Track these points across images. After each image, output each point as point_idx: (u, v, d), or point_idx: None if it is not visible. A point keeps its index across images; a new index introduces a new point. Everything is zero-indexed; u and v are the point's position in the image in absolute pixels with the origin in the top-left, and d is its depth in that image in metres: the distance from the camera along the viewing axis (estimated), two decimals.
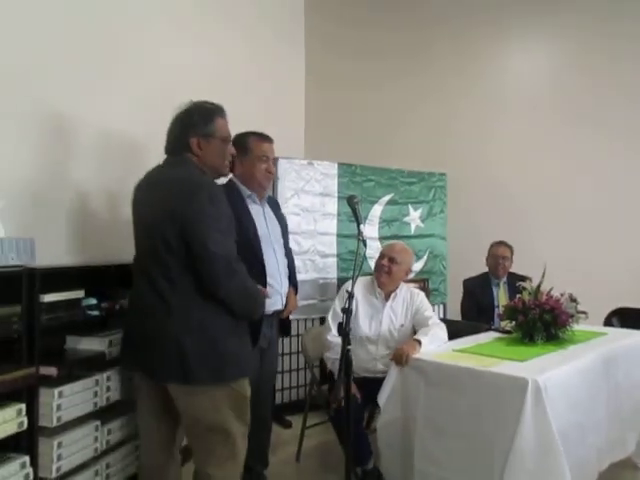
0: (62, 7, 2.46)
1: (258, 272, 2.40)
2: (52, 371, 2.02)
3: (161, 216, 1.90)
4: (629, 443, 2.78)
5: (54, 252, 2.33)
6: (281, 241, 2.72)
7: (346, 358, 2.00)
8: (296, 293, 2.82)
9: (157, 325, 1.92)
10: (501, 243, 3.96)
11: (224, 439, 1.99)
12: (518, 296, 2.91)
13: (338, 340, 2.81)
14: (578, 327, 2.84)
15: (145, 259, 1.99)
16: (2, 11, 2.18)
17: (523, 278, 3.40)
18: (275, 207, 2.84)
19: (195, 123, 2.01)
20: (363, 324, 2.99)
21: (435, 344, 2.68)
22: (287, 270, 2.71)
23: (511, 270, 3.94)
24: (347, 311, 2.01)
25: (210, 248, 1.85)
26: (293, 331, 3.40)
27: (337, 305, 3.00)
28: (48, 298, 2.05)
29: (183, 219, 1.86)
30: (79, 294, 2.25)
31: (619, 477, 2.86)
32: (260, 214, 2.63)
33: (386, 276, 3.01)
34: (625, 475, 2.91)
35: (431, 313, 3.00)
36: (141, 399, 2.11)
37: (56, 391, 2.02)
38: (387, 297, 3.04)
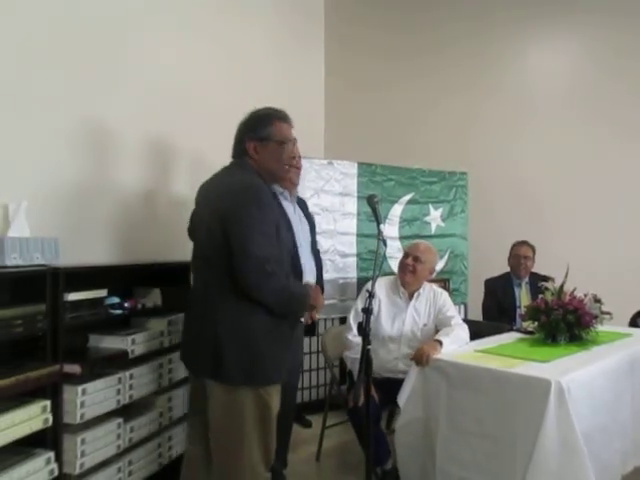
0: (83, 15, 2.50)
1: (296, 274, 2.39)
2: (76, 369, 2.05)
3: (210, 216, 1.95)
4: None
5: (79, 252, 2.36)
6: (309, 240, 2.70)
7: (366, 358, 2.00)
8: (322, 292, 2.81)
9: (199, 321, 1.99)
10: (523, 243, 3.91)
11: (238, 446, 1.96)
12: (540, 296, 2.87)
13: (358, 340, 2.82)
14: (602, 328, 2.79)
15: (197, 257, 2.07)
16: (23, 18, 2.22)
17: (545, 278, 3.36)
18: (303, 206, 2.83)
19: (252, 128, 2.06)
20: (386, 323, 2.98)
21: (456, 345, 2.66)
22: (314, 270, 2.69)
23: (533, 270, 3.89)
24: (367, 311, 2.00)
25: (247, 249, 1.85)
26: None
27: (358, 305, 2.99)
28: (72, 297, 2.08)
29: (227, 218, 1.89)
30: (102, 293, 2.27)
31: None
32: (292, 212, 2.61)
33: (410, 275, 3.00)
34: None
35: (454, 313, 2.98)
36: (190, 389, 2.19)
37: (80, 388, 2.05)
38: (410, 296, 3.03)
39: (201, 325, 1.98)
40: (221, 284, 1.93)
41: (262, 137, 2.05)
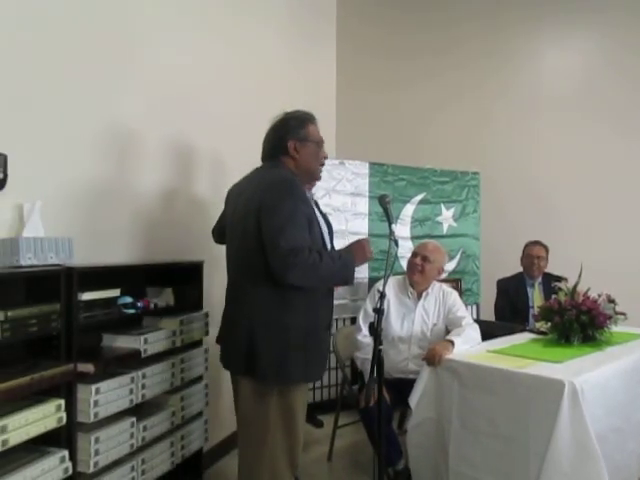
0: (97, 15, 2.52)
1: None
2: (89, 368, 2.07)
3: (246, 211, 2.01)
4: None
5: (94, 252, 2.38)
6: (329, 242, 2.67)
7: (378, 358, 2.00)
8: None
9: (234, 318, 2.04)
10: (536, 243, 3.89)
11: (261, 445, 1.99)
12: (554, 297, 2.85)
13: (368, 340, 2.82)
14: (616, 328, 2.77)
15: (232, 254, 2.12)
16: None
17: (559, 278, 3.34)
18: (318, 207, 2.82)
19: (291, 128, 2.14)
20: (395, 324, 2.97)
21: (468, 345, 2.65)
22: None
23: (546, 270, 3.86)
24: (379, 311, 2.00)
25: (279, 238, 1.86)
26: None
27: (368, 305, 2.99)
28: (86, 296, 2.10)
29: (262, 211, 1.93)
30: (115, 293, 2.29)
31: None
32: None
33: (419, 275, 2.99)
34: None
35: (464, 313, 2.97)
36: (232, 384, 2.21)
37: (93, 387, 2.06)
38: (419, 296, 3.02)
39: (237, 322, 2.02)
40: (257, 281, 1.97)
41: (302, 137, 2.14)
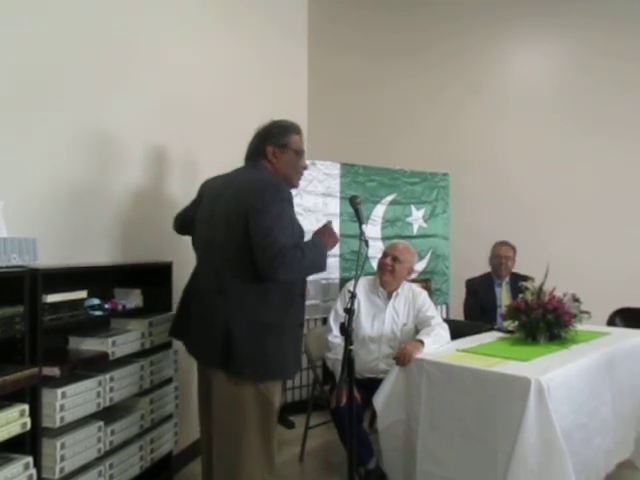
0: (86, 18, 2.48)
1: None
2: (55, 372, 2.02)
3: (229, 210, 2.03)
4: (630, 443, 2.78)
5: (62, 253, 2.33)
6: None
7: (348, 358, 2.00)
8: None
9: (211, 313, 2.03)
10: (504, 243, 3.95)
11: (239, 441, 2.00)
12: (521, 296, 2.91)
13: (339, 341, 2.83)
14: (581, 327, 2.83)
15: (209, 250, 2.11)
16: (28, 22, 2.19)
17: (525, 278, 3.40)
18: None
19: (273, 134, 2.20)
20: (365, 323, 2.99)
21: (438, 344, 2.68)
22: None
23: (514, 270, 3.93)
24: (349, 311, 2.01)
25: (267, 240, 1.91)
26: None
27: (339, 305, 3.00)
28: (51, 298, 2.05)
29: (250, 212, 1.96)
30: (82, 294, 2.25)
31: (621, 477, 2.86)
32: None
33: (389, 275, 3.01)
34: (626, 475, 2.91)
35: (434, 312, 3.00)
36: (198, 381, 2.25)
37: (59, 392, 2.02)
38: (389, 296, 3.04)
39: (214, 316, 2.03)
40: (236, 278, 2.00)
41: (282, 144, 2.19)
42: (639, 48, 4.19)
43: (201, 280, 2.17)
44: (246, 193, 2.02)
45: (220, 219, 2.07)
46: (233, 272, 2.01)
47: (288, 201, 2.05)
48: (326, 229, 2.20)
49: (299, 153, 2.24)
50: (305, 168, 2.30)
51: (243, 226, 1.97)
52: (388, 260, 3.03)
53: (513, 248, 3.93)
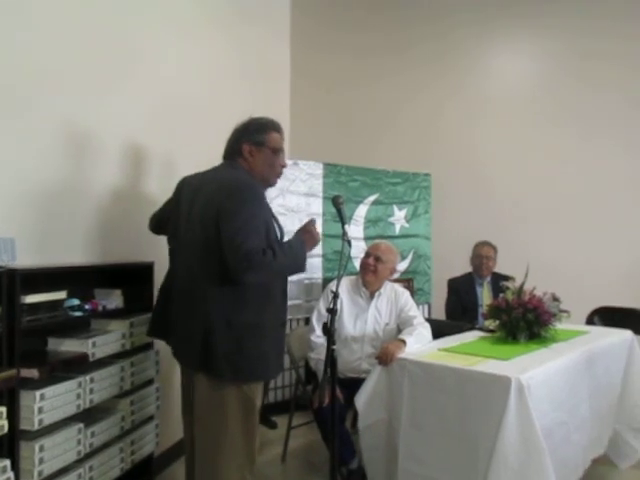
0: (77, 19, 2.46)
1: None
2: (33, 373, 1.99)
3: (203, 211, 2.02)
4: (605, 439, 2.82)
5: (37, 252, 2.30)
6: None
7: (331, 358, 2.00)
8: None
9: (190, 314, 2.02)
10: (485, 243, 3.98)
11: (221, 442, 2.00)
12: (501, 295, 2.93)
13: (322, 341, 2.83)
14: (560, 326, 2.87)
15: (186, 249, 2.09)
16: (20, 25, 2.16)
17: (506, 278, 3.44)
18: None
19: (249, 132, 2.17)
20: (348, 323, 2.99)
21: (420, 343, 2.69)
22: None
23: (495, 270, 3.97)
24: (332, 311, 2.01)
25: (237, 242, 1.89)
26: None
27: (321, 305, 3.00)
28: (30, 299, 2.02)
29: (221, 213, 1.95)
30: (62, 295, 2.22)
31: (599, 474, 2.91)
32: None
33: (371, 275, 3.02)
34: (603, 472, 2.96)
35: (416, 312, 3.02)
36: (182, 382, 2.24)
37: (37, 394, 1.99)
38: (372, 296, 3.05)
39: (192, 318, 2.01)
40: (213, 278, 1.98)
41: (258, 142, 2.15)
42: (617, 48, 4.25)
43: (178, 280, 2.15)
44: (218, 193, 2.00)
45: (196, 218, 2.06)
46: (209, 272, 1.99)
47: (260, 202, 2.02)
48: (307, 229, 2.18)
49: (276, 151, 2.19)
50: (284, 166, 2.25)
51: (216, 227, 1.96)
52: (370, 260, 3.04)
53: (494, 248, 3.97)
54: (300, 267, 2.11)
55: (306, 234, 2.16)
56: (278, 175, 2.25)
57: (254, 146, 2.15)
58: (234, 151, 2.18)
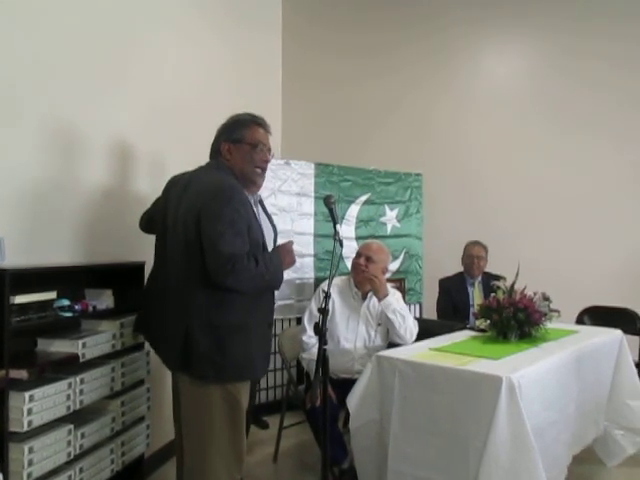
0: (68, 18, 2.45)
1: None
2: (22, 374, 1.98)
3: (186, 212, 2.00)
4: (589, 436, 2.84)
5: (26, 252, 2.28)
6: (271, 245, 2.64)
7: (323, 358, 2.00)
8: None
9: (172, 315, 2.01)
10: (476, 243, 4.00)
11: (207, 443, 1.98)
12: (492, 295, 2.94)
13: (314, 341, 2.82)
14: (551, 325, 2.88)
15: (170, 250, 2.08)
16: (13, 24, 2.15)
17: (497, 277, 3.45)
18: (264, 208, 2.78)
19: (226, 130, 2.14)
20: (340, 324, 2.99)
21: (398, 315, 2.84)
22: None
23: (486, 270, 3.98)
24: (324, 311, 2.01)
25: (217, 245, 1.89)
26: None
27: (313, 305, 3.00)
28: (19, 299, 2.01)
29: (202, 216, 1.94)
30: (51, 295, 2.20)
31: (586, 472, 2.94)
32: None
33: (363, 275, 3.02)
34: (591, 470, 2.98)
35: (407, 313, 3.01)
36: (172, 384, 2.22)
37: (27, 395, 1.98)
38: (364, 297, 3.05)
39: (173, 319, 2.00)
40: (195, 279, 1.96)
41: (235, 139, 2.12)
42: (606, 47, 4.28)
43: (160, 280, 2.13)
44: (200, 197, 1.98)
45: (180, 219, 2.04)
46: (193, 273, 1.97)
47: (243, 205, 1.99)
48: (284, 248, 2.17)
49: (255, 146, 2.13)
50: (266, 161, 2.19)
51: (197, 229, 1.95)
52: (362, 260, 3.03)
53: (485, 248, 3.98)
54: (276, 282, 2.10)
55: (284, 252, 2.15)
56: (259, 172, 2.17)
57: (232, 144, 2.12)
58: (216, 151, 2.16)
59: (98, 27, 2.71)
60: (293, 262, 2.20)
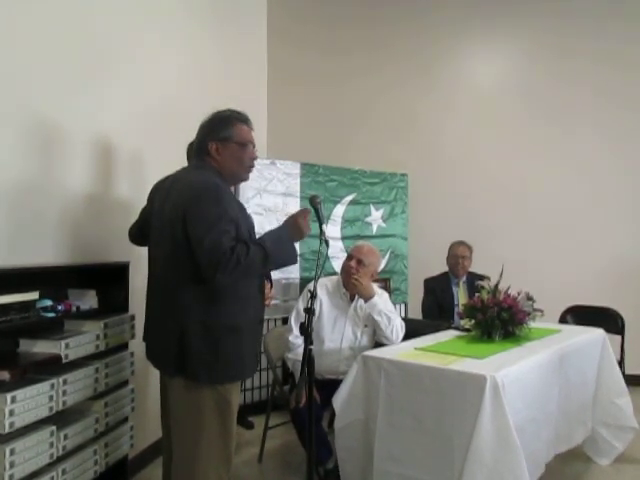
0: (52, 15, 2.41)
1: None
2: (4, 375, 1.95)
3: (172, 214, 1.98)
4: (576, 437, 2.87)
5: (8, 252, 2.25)
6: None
7: (308, 358, 2.00)
8: (271, 286, 2.78)
9: (164, 317, 2.00)
10: (461, 243, 4.02)
11: (197, 444, 1.98)
12: (477, 295, 2.96)
13: (299, 341, 2.82)
14: (534, 324, 2.91)
15: (159, 253, 2.07)
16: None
17: (482, 277, 3.48)
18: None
19: (213, 129, 2.09)
20: (327, 325, 2.99)
21: (385, 318, 2.84)
22: None
23: (471, 269, 4.01)
24: (309, 311, 2.01)
25: (204, 243, 1.87)
26: None
27: (300, 305, 2.99)
28: (1, 300, 1.99)
29: (187, 216, 1.92)
30: (34, 296, 2.18)
31: (572, 468, 2.97)
32: None
33: (348, 278, 3.01)
34: (578, 466, 3.02)
35: (394, 314, 3.01)
36: (160, 385, 2.19)
37: (8, 396, 1.95)
38: (352, 298, 3.04)
39: (166, 320, 1.99)
40: (186, 281, 1.95)
41: (223, 138, 2.08)
42: (590, 46, 4.34)
43: (152, 284, 2.13)
44: (184, 196, 1.97)
45: (166, 221, 2.03)
46: (182, 275, 1.96)
47: (228, 202, 1.97)
48: (292, 221, 2.07)
49: (243, 145, 2.10)
50: (254, 159, 2.17)
51: (183, 229, 1.93)
52: (353, 263, 3.00)
53: (470, 248, 4.01)
54: (286, 259, 2.04)
55: (291, 226, 2.05)
56: (248, 169, 2.17)
57: (219, 143, 2.07)
58: (201, 150, 2.11)
59: (81, 25, 2.68)
60: (302, 232, 2.05)
